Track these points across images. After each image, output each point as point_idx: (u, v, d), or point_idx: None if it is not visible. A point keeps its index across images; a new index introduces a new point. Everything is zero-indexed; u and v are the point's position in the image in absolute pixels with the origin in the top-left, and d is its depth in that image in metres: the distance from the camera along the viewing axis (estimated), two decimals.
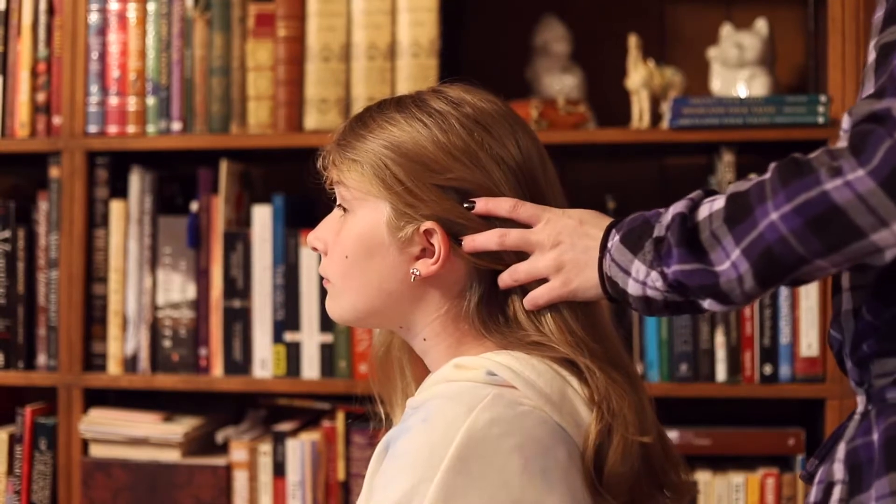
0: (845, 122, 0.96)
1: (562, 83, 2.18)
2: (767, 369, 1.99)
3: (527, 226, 1.13)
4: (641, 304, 1.08)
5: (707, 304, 1.03)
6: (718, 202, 1.01)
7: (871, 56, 0.99)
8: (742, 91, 2.08)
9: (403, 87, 2.05)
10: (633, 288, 1.07)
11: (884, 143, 0.89)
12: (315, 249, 1.21)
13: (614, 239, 1.08)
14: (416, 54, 2.06)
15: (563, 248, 1.11)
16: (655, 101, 2.09)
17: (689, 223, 1.02)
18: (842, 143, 0.94)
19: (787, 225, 0.94)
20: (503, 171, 1.13)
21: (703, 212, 1.02)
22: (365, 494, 1.08)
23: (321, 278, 1.22)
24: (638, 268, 1.05)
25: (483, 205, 1.12)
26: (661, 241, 1.04)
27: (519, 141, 1.15)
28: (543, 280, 1.12)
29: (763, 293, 1.00)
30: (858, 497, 0.99)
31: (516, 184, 1.14)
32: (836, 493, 1.02)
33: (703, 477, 1.97)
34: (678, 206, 1.04)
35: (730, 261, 0.98)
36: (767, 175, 0.97)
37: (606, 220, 1.12)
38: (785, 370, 1.99)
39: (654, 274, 1.04)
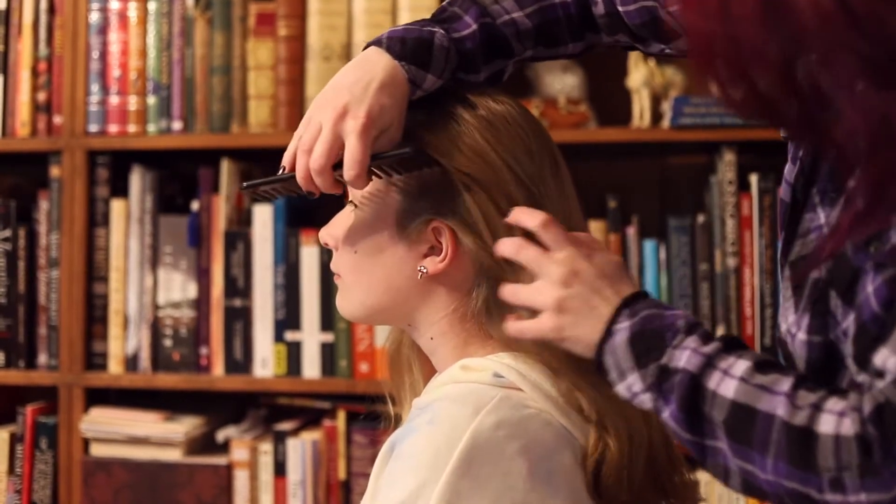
0: (889, 374, 0.85)
1: (563, 82, 2.18)
2: None
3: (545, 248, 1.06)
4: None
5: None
6: (728, 387, 0.93)
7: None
8: None
9: None
10: (620, 388, 1.01)
11: (886, 491, 0.85)
12: (326, 245, 1.21)
13: (622, 327, 1.00)
14: None
15: (572, 292, 1.02)
16: (656, 101, 2.09)
17: (695, 387, 0.95)
18: (854, 432, 0.86)
19: (784, 490, 0.91)
20: (512, 174, 1.13)
21: (713, 382, 0.94)
22: (370, 495, 1.08)
23: (326, 275, 1.22)
24: (634, 381, 0.99)
25: (516, 213, 1.07)
26: (667, 376, 0.97)
27: (531, 145, 1.15)
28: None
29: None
30: None
31: (524, 188, 1.13)
32: None
33: (704, 477, 1.97)
34: (692, 360, 0.96)
35: (721, 447, 0.94)
36: (780, 418, 0.90)
37: (625, 284, 1.03)
38: None
39: (648, 397, 0.98)
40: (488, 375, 1.08)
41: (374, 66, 1.11)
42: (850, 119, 0.84)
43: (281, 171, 1.15)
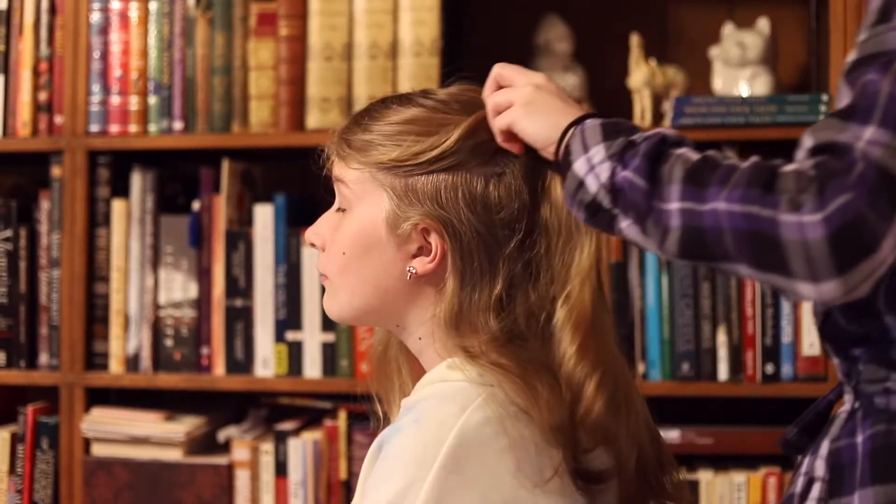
0: (807, 141, 0.93)
1: (564, 82, 2.17)
2: (769, 368, 1.98)
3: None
4: (571, 189, 1.06)
5: (625, 224, 1.01)
6: (695, 154, 0.99)
7: (852, 55, 0.96)
8: (744, 90, 2.08)
9: (405, 87, 2.05)
10: (579, 166, 1.04)
11: (843, 194, 0.88)
12: (313, 245, 1.20)
13: (596, 120, 1.08)
14: (419, 53, 2.06)
15: (538, 95, 1.13)
16: (657, 101, 2.09)
17: (665, 146, 1.01)
18: (808, 167, 0.91)
19: (730, 222, 0.92)
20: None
21: (681, 149, 1.00)
22: (358, 495, 1.08)
23: (320, 274, 1.22)
24: (597, 151, 1.03)
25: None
26: (633, 146, 1.02)
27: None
28: None
29: (679, 261, 1.03)
30: (839, 499, 0.99)
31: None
32: (816, 490, 1.02)
33: (704, 476, 1.97)
34: (667, 130, 1.04)
35: (668, 207, 0.97)
36: (745, 165, 0.95)
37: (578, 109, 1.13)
38: (787, 369, 1.98)
39: (607, 165, 1.02)
40: (475, 374, 1.08)
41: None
42: None
43: None
